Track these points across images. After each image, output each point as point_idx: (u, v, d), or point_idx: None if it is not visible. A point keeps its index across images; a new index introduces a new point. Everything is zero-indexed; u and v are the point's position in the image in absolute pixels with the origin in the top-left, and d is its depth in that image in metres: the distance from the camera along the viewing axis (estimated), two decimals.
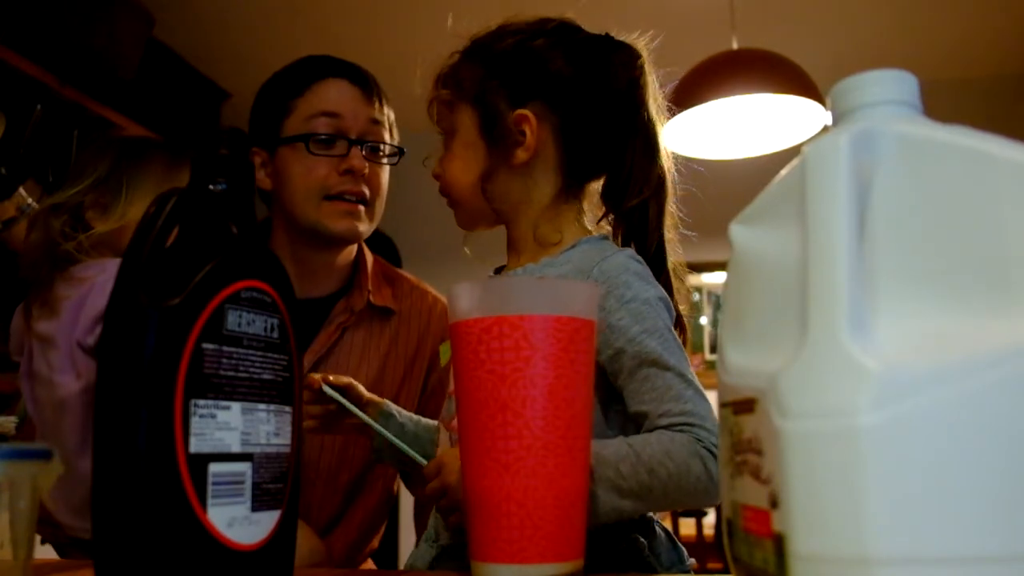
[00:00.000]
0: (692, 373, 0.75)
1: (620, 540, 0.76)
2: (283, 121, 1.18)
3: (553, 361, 0.55)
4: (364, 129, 1.19)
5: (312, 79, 1.19)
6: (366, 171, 1.17)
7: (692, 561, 0.81)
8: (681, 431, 0.72)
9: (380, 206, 1.23)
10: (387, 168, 1.24)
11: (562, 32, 0.86)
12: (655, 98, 0.88)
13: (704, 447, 0.71)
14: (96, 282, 1.08)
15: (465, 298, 0.57)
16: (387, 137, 1.23)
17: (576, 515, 0.56)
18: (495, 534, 0.55)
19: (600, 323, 0.70)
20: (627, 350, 0.75)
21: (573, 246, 0.83)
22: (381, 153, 1.22)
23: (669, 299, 0.80)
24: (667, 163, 0.88)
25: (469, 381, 0.56)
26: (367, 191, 1.18)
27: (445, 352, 0.87)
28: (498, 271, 0.91)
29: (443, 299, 1.30)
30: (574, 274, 0.79)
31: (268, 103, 1.21)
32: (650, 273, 0.80)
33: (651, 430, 0.73)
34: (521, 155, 0.83)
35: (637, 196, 0.85)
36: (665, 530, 0.81)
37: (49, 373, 1.11)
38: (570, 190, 0.87)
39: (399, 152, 1.24)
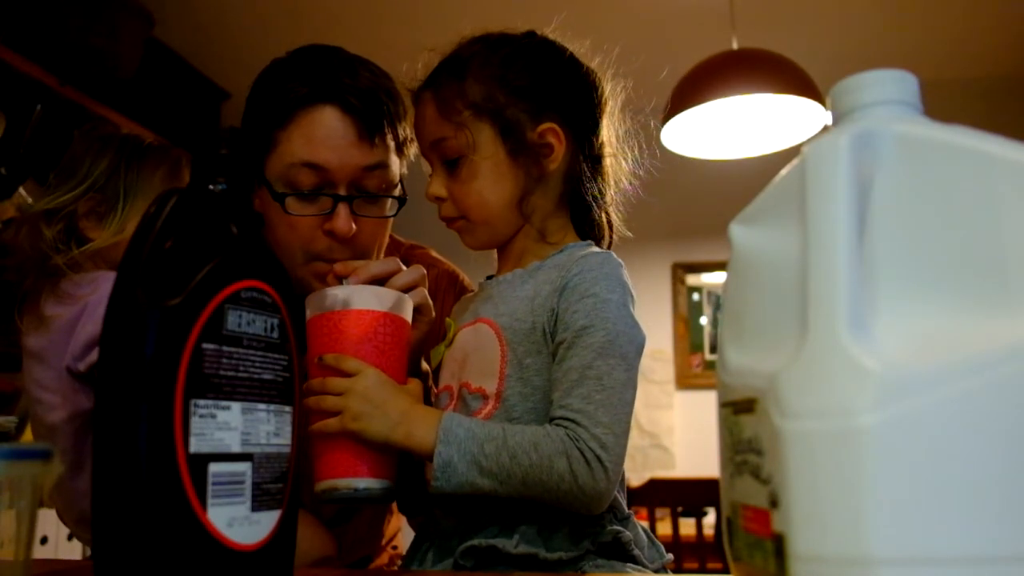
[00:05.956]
0: (622, 385, 0.75)
1: (605, 534, 0.77)
2: (266, 157, 0.98)
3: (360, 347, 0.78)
4: (356, 177, 0.96)
5: (297, 105, 0.96)
6: (353, 232, 0.96)
7: (670, 557, 0.83)
8: (564, 428, 0.72)
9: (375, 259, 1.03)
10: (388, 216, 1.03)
11: (553, 45, 0.89)
12: (612, 116, 0.90)
13: (579, 448, 0.71)
14: (88, 302, 1.01)
15: (312, 302, 0.80)
16: (392, 175, 1.00)
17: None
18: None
19: (563, 312, 0.78)
20: (567, 340, 0.76)
21: (561, 250, 0.85)
22: (377, 203, 1.00)
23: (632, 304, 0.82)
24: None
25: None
26: (356, 253, 0.98)
27: (451, 326, 0.89)
28: (489, 278, 0.92)
29: (455, 270, 1.24)
30: (555, 270, 0.81)
31: (253, 125, 1.00)
32: (625, 277, 0.81)
33: (551, 419, 0.74)
34: (551, 166, 0.84)
35: (603, 206, 0.89)
36: (644, 529, 0.84)
37: (40, 392, 1.03)
38: (566, 198, 0.89)
39: (399, 202, 1.02)
